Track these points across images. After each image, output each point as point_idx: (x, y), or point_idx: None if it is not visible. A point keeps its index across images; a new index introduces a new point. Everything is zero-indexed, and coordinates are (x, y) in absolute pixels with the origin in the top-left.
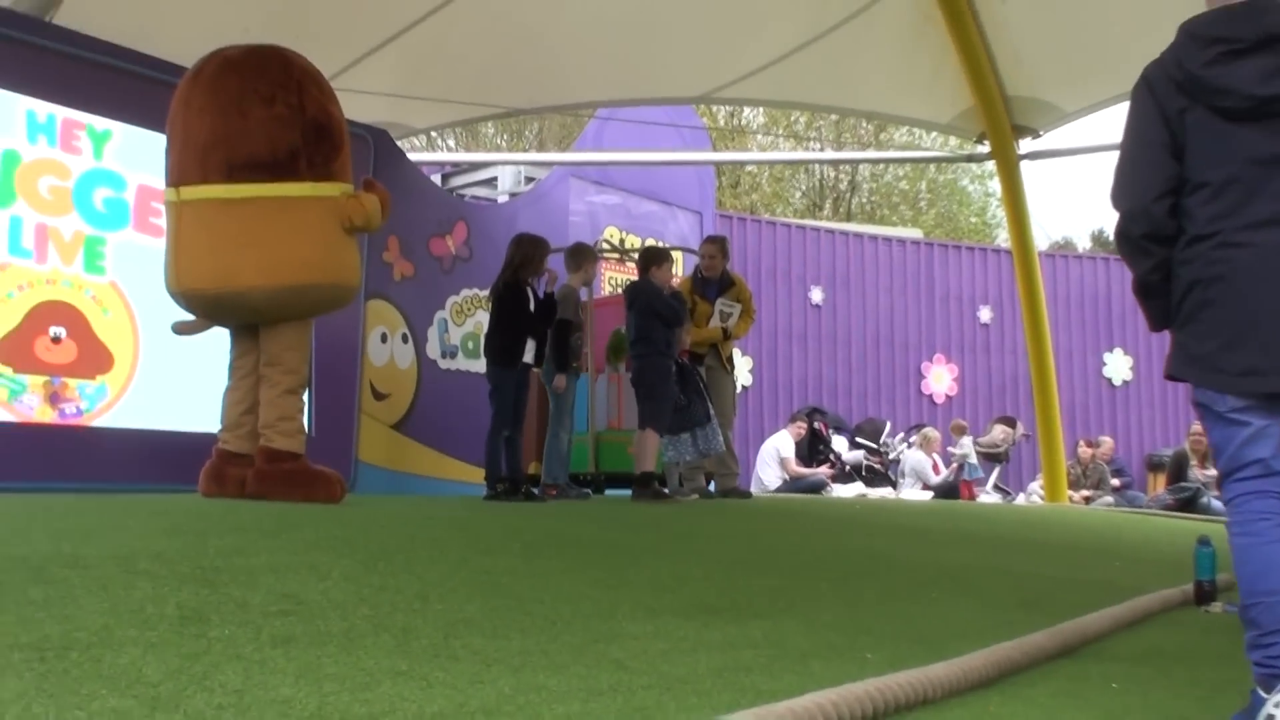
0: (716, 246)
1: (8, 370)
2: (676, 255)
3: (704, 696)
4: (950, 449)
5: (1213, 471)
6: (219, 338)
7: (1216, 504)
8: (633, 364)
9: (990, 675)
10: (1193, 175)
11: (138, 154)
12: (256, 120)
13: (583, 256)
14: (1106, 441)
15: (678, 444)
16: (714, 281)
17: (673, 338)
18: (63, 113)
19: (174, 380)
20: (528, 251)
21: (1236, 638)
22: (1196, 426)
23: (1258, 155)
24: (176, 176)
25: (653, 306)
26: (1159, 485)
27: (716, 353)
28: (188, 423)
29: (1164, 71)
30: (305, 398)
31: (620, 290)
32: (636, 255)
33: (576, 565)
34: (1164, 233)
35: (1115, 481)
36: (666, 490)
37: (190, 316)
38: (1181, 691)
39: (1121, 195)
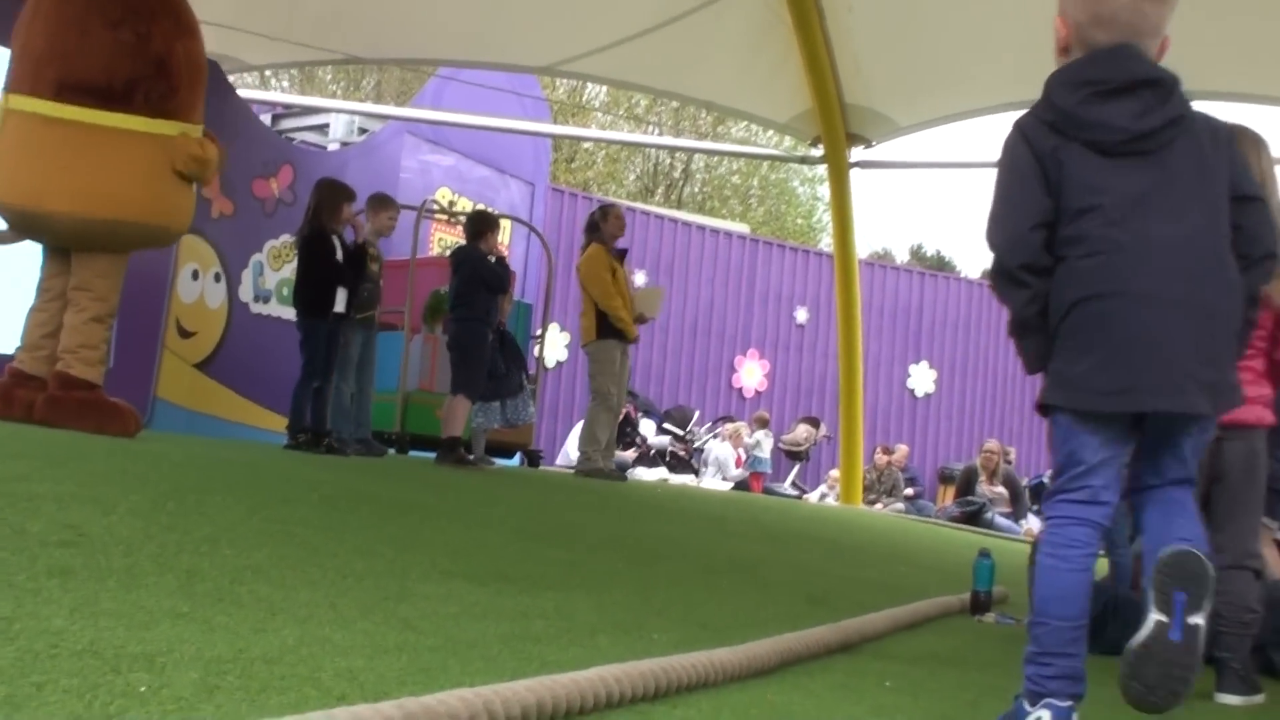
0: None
1: None
2: (505, 224)
3: (490, 662)
4: (747, 439)
5: (1000, 488)
6: (29, 255)
7: (1000, 520)
8: (450, 327)
9: (772, 664)
10: (1068, 206)
11: None
12: (97, 42)
13: (379, 206)
14: (902, 449)
15: (487, 411)
16: (622, 251)
17: (494, 305)
18: None
19: None
20: (323, 196)
21: (1006, 647)
22: (989, 444)
23: (1129, 189)
24: (8, 84)
25: (478, 272)
26: (948, 497)
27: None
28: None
29: (1034, 117)
30: (111, 329)
31: (447, 253)
32: (465, 218)
33: (372, 522)
34: (1040, 264)
35: (908, 490)
36: (471, 456)
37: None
38: (950, 695)
39: (997, 229)
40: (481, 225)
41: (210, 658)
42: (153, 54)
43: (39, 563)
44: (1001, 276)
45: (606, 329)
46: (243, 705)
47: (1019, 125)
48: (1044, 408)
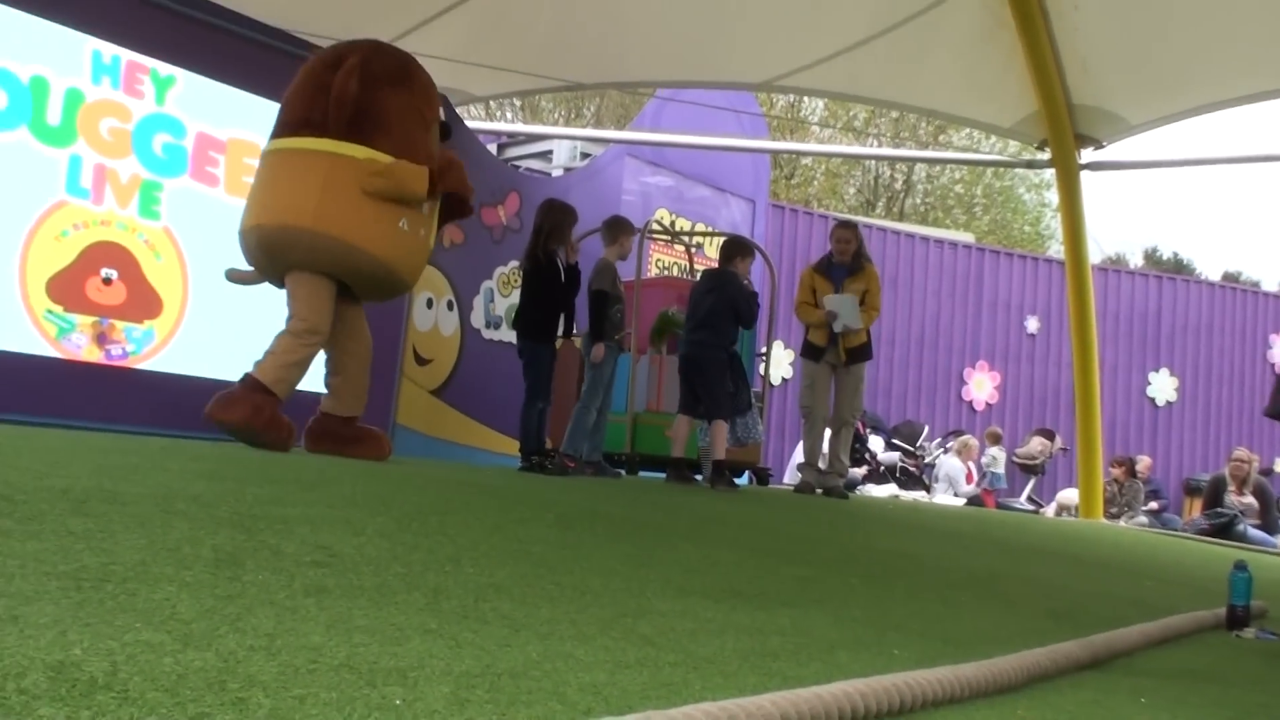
0: (851, 232)
1: (58, 308)
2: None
3: (730, 677)
4: (982, 457)
5: (1250, 499)
6: (277, 291)
7: (1254, 532)
8: (692, 349)
9: (1019, 680)
10: None
11: (199, 102)
12: (306, 88)
13: (619, 230)
14: (1144, 460)
15: None
16: (843, 267)
17: (736, 334)
18: (127, 55)
19: (221, 329)
20: (557, 219)
21: (1268, 663)
22: (1238, 452)
23: None
24: None
25: (735, 299)
26: (1195, 509)
27: (838, 348)
28: (232, 372)
29: None
30: (309, 346)
31: (666, 272)
32: (688, 238)
33: (608, 540)
34: None
35: (1152, 504)
36: (699, 477)
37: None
38: (1209, 712)
39: None
40: (736, 250)
41: (459, 672)
42: (349, 94)
43: (296, 582)
44: None
45: (803, 346)
46: (493, 718)
47: None
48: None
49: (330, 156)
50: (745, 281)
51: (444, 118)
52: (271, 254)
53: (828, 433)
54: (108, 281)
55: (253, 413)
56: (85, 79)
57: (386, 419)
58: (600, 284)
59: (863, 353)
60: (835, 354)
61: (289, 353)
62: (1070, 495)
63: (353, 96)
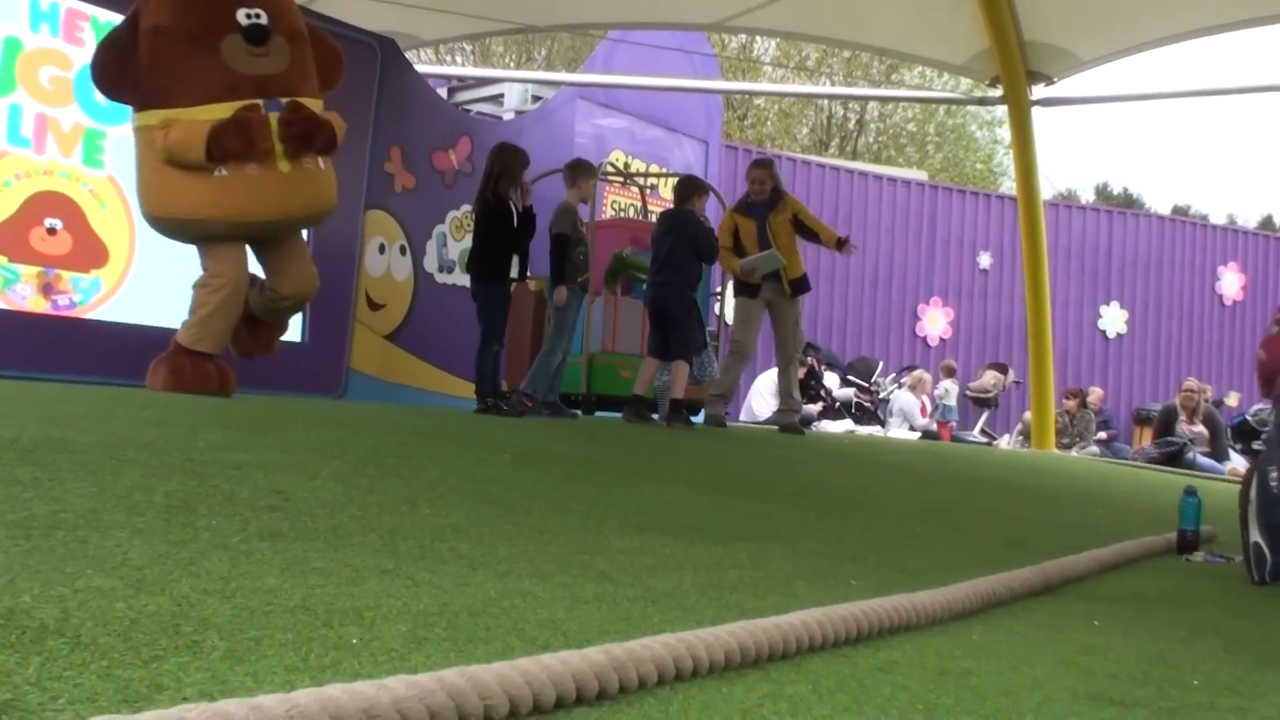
0: (765, 171)
1: (2, 259)
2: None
3: (689, 611)
4: (935, 390)
5: (1200, 428)
6: None
7: (1203, 460)
8: (658, 290)
9: (974, 607)
10: None
11: None
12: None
13: (580, 172)
14: (1096, 392)
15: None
16: (762, 203)
17: (699, 272)
18: (66, 2)
19: (169, 277)
20: (507, 162)
21: (1218, 585)
22: (1188, 382)
23: None
24: None
25: (695, 238)
26: (1145, 439)
27: (781, 281)
28: (181, 320)
29: None
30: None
31: (621, 214)
32: (641, 179)
33: (565, 480)
34: None
35: (1102, 434)
36: (655, 415)
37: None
38: (1161, 633)
39: None
40: (692, 189)
41: (417, 611)
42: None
43: (250, 526)
44: None
45: (735, 283)
46: (451, 655)
47: None
48: None
49: (138, 132)
50: (702, 218)
51: (246, 20)
52: (166, 236)
53: (772, 371)
54: (52, 231)
55: (173, 376)
56: (23, 26)
57: (339, 364)
58: (561, 227)
59: (804, 284)
60: (776, 289)
61: (200, 306)
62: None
63: (128, 54)
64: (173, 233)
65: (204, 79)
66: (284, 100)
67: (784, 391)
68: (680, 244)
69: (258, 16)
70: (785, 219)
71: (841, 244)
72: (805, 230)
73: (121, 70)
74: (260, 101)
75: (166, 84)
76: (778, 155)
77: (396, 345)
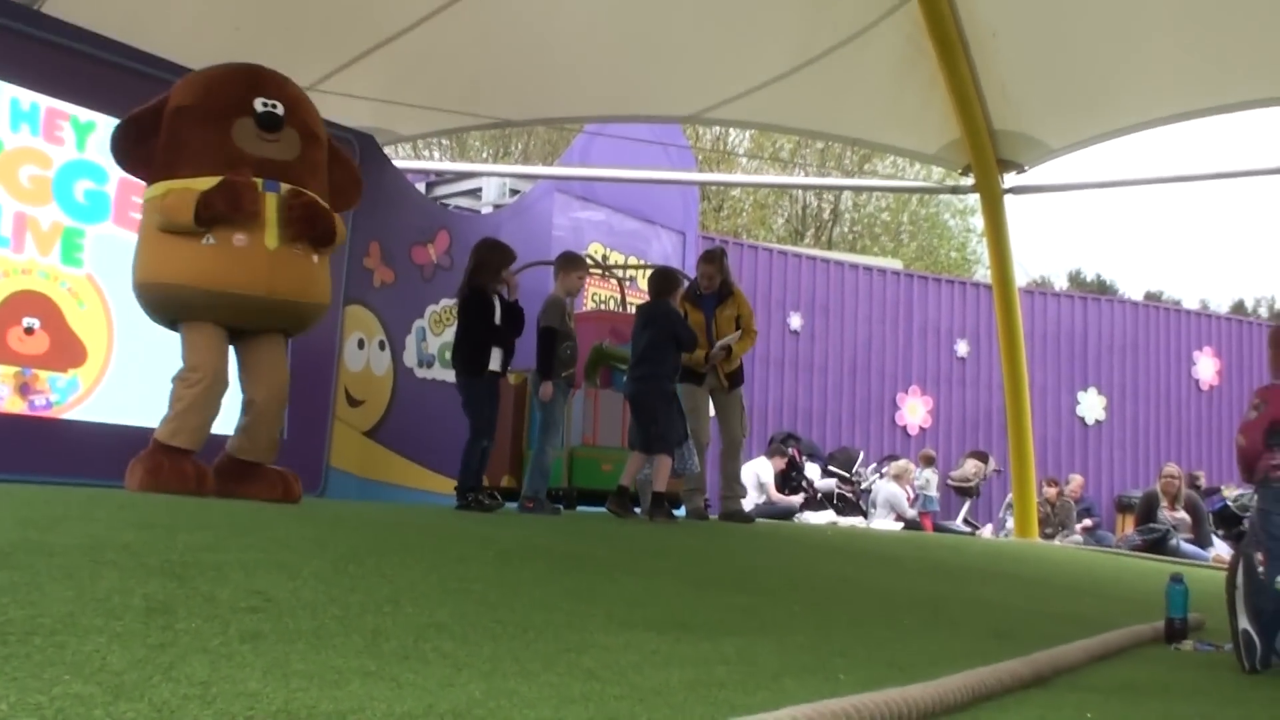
0: (714, 266)
1: None
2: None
3: (677, 709)
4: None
5: (1182, 514)
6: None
7: (1187, 546)
8: (637, 385)
9: (965, 700)
10: None
11: None
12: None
13: (568, 265)
14: (1076, 480)
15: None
16: (711, 295)
17: (679, 364)
18: (46, 102)
19: (147, 376)
20: (483, 256)
21: (1209, 674)
22: (1169, 468)
23: None
24: None
25: (674, 330)
26: (1128, 526)
27: (717, 372)
28: (159, 419)
29: None
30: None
31: (601, 305)
32: (620, 271)
33: (548, 576)
34: None
35: (1086, 521)
36: (637, 509)
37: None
38: None
39: None
40: (669, 283)
41: (401, 714)
42: (152, 121)
43: (231, 628)
44: None
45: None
46: None
47: None
48: None
49: (145, 204)
50: (679, 309)
51: (262, 107)
52: (149, 313)
53: (754, 463)
54: (29, 331)
55: (150, 475)
56: (3, 126)
57: (319, 462)
58: (549, 320)
59: (739, 377)
60: (715, 379)
61: (177, 401)
62: None
63: (158, 115)
64: (155, 304)
65: (210, 154)
66: (284, 185)
67: (730, 476)
68: (658, 337)
69: (274, 106)
70: (731, 315)
71: (727, 352)
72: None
73: (137, 145)
74: (252, 173)
75: (175, 158)
76: (753, 245)
77: (376, 441)
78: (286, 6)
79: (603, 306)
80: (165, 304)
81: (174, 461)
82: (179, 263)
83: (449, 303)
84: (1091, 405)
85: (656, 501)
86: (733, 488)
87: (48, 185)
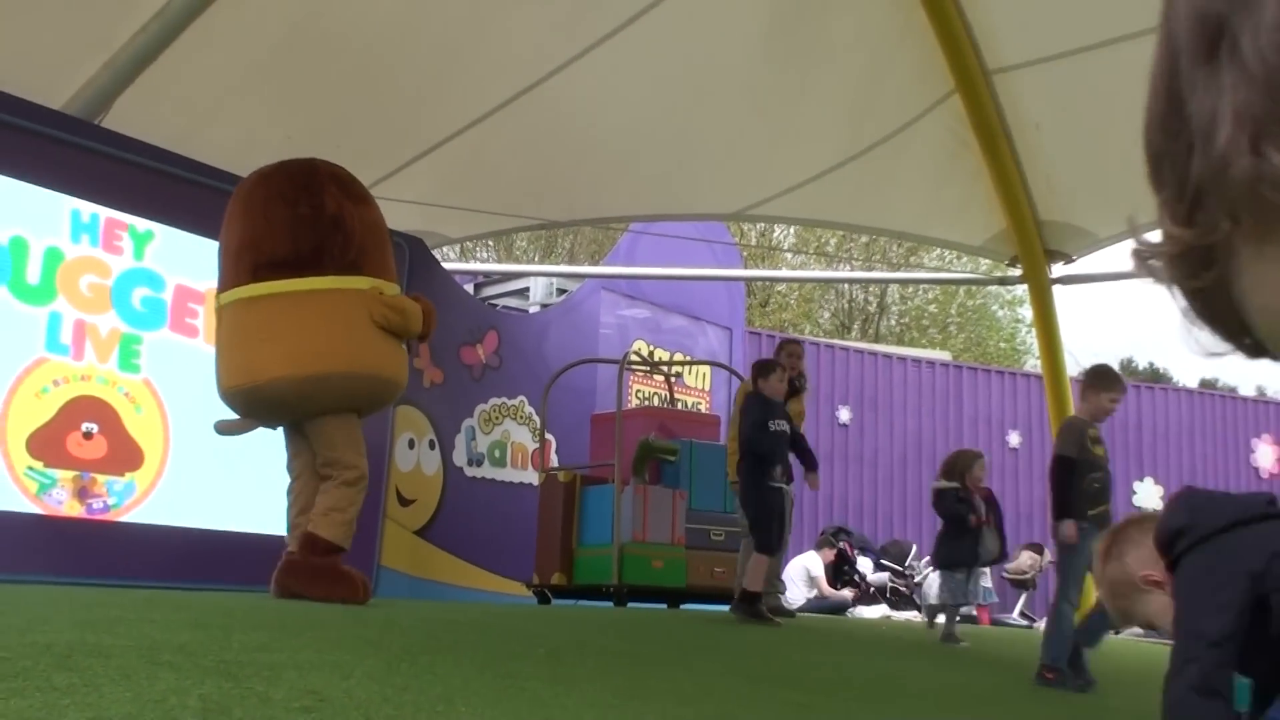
0: (799, 346)
1: (38, 464)
2: (704, 370)
3: None
4: None
5: None
6: (257, 440)
7: None
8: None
9: None
10: None
11: (177, 255)
12: (279, 221)
13: (1100, 383)
14: None
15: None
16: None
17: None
18: (106, 213)
19: (203, 479)
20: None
21: None
22: None
23: None
24: (218, 284)
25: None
26: None
27: None
28: (215, 521)
29: None
30: (362, 492)
31: (645, 402)
32: (666, 368)
33: (600, 673)
34: None
35: None
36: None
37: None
38: None
39: None
40: (761, 369)
41: None
42: (328, 218)
43: None
44: None
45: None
46: None
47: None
48: None
49: (337, 293)
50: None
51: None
52: (295, 405)
53: (803, 557)
54: (88, 435)
55: (337, 585)
56: (64, 238)
57: (370, 562)
58: (1065, 448)
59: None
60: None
61: (352, 505)
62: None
63: (359, 226)
64: (349, 393)
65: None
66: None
67: (771, 572)
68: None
69: None
70: (799, 410)
71: None
72: None
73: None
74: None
75: (360, 259)
76: (800, 339)
77: (426, 540)
78: (337, 116)
79: (647, 403)
80: (360, 395)
81: (346, 569)
82: (396, 358)
83: (498, 402)
84: (1148, 495)
85: (745, 598)
86: (774, 583)
87: (106, 293)
